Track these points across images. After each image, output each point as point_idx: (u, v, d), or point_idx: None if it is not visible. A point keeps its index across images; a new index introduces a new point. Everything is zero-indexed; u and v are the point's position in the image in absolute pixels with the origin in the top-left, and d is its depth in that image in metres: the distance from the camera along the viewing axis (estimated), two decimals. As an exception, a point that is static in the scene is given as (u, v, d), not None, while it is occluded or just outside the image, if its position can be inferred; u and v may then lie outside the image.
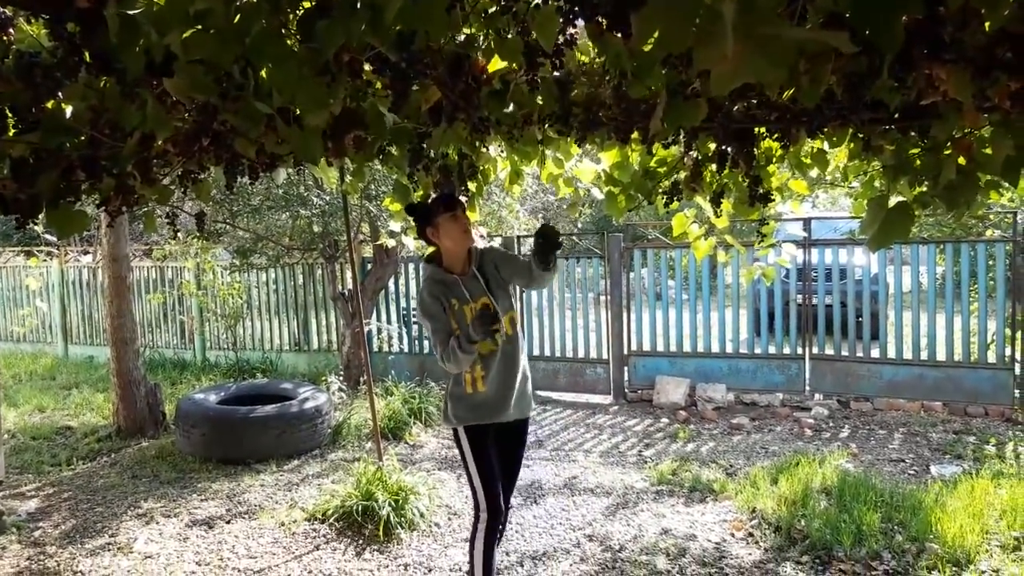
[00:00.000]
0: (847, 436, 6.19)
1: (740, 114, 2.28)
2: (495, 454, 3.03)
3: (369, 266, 8.34)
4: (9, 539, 4.38)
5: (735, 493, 4.76)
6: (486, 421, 2.98)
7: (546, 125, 2.53)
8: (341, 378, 7.44)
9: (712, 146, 2.66)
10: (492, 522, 2.97)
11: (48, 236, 9.71)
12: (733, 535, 4.23)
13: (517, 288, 3.11)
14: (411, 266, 8.63)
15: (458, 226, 2.93)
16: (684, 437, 6.23)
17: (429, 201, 3.05)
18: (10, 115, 1.83)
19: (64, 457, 6.01)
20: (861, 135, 2.39)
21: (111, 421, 6.74)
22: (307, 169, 3.72)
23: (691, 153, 2.81)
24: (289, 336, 9.59)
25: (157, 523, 4.62)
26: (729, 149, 2.57)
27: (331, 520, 4.45)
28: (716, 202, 3.03)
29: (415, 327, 8.68)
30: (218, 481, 5.35)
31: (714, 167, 2.76)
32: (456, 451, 3.15)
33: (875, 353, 7.06)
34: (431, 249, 3.07)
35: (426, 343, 8.35)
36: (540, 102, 2.22)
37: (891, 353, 6.97)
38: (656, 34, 0.95)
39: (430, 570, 3.90)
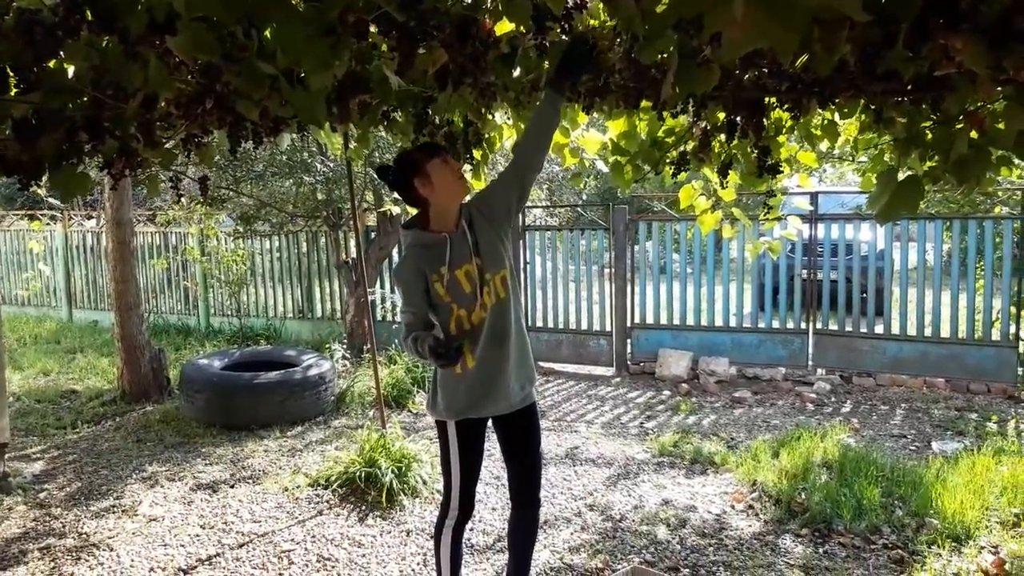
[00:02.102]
0: (849, 411, 6.20)
1: (750, 83, 2.25)
2: (505, 443, 2.81)
3: (373, 234, 8.32)
4: (15, 500, 4.43)
5: (736, 466, 4.78)
6: (483, 413, 2.67)
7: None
8: (344, 346, 7.46)
9: (721, 116, 2.63)
10: (461, 521, 2.77)
11: (52, 200, 9.71)
12: (733, 507, 4.26)
13: (510, 248, 2.74)
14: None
15: (451, 170, 2.57)
16: (686, 410, 6.25)
17: (407, 152, 2.68)
18: (11, 74, 1.80)
19: (69, 420, 6.05)
20: (873, 107, 2.36)
21: (115, 385, 6.78)
22: (311, 135, 3.69)
23: (700, 122, 2.77)
24: (293, 304, 9.61)
25: (162, 487, 4.66)
26: (738, 119, 2.54)
27: (334, 486, 4.49)
28: (724, 173, 3.00)
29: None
30: (222, 446, 5.39)
31: (723, 137, 2.72)
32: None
33: (879, 329, 7.05)
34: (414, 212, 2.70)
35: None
36: (546, 66, 2.19)
37: (895, 329, 6.96)
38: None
39: (431, 536, 3.93)
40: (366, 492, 4.37)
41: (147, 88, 1.85)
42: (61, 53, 1.81)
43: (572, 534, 3.95)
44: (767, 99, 2.44)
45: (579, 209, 10.67)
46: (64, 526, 4.12)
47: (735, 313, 7.62)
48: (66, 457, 5.24)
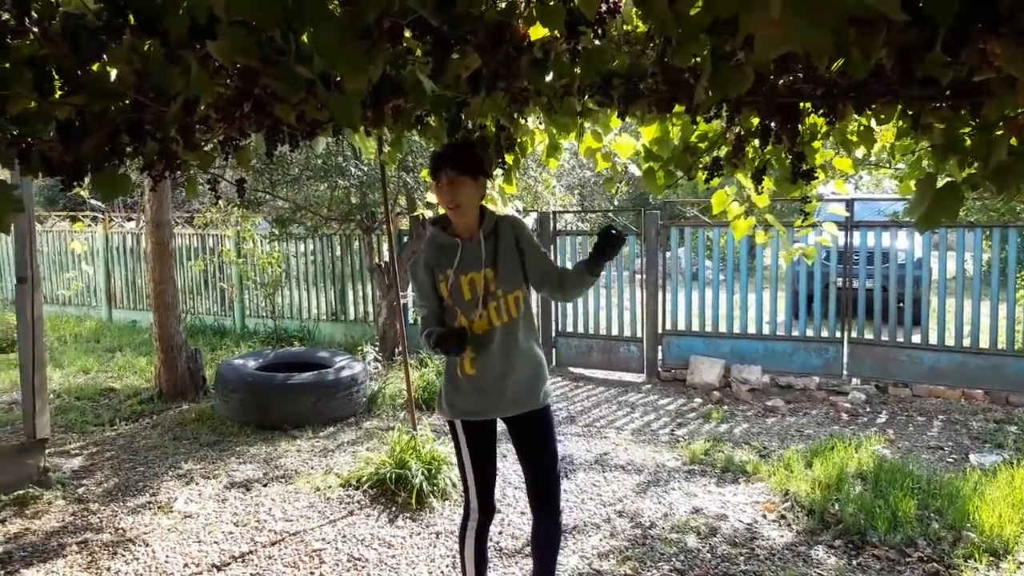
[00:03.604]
0: (884, 422, 6.10)
1: (785, 88, 2.23)
2: (517, 448, 2.82)
3: (405, 238, 8.38)
4: (54, 495, 4.53)
5: (768, 475, 4.73)
6: (482, 416, 2.71)
7: (586, 96, 2.51)
8: (376, 348, 7.52)
9: (755, 121, 2.61)
10: (483, 521, 2.79)
11: (94, 201, 9.93)
12: (765, 516, 4.21)
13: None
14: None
15: (441, 193, 2.63)
16: (717, 418, 6.19)
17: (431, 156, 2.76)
18: (56, 77, 1.85)
19: (107, 418, 6.18)
20: (910, 112, 2.32)
21: (153, 384, 6.91)
22: (345, 139, 3.74)
23: (733, 128, 2.76)
24: (326, 306, 9.70)
25: (196, 484, 4.73)
26: (773, 124, 2.52)
27: (365, 487, 4.53)
28: (758, 179, 2.98)
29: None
30: (255, 445, 5.47)
31: (757, 142, 2.71)
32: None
33: (916, 339, 6.92)
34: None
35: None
36: (578, 72, 2.20)
37: (932, 339, 6.82)
38: (703, -4, 0.93)
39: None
40: (396, 493, 4.40)
41: (188, 92, 1.88)
42: (104, 57, 1.86)
43: (601, 540, 3.93)
44: (802, 104, 2.42)
45: (610, 214, 10.64)
46: (101, 521, 4.20)
47: (768, 321, 7.53)
48: (104, 454, 5.35)
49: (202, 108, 2.20)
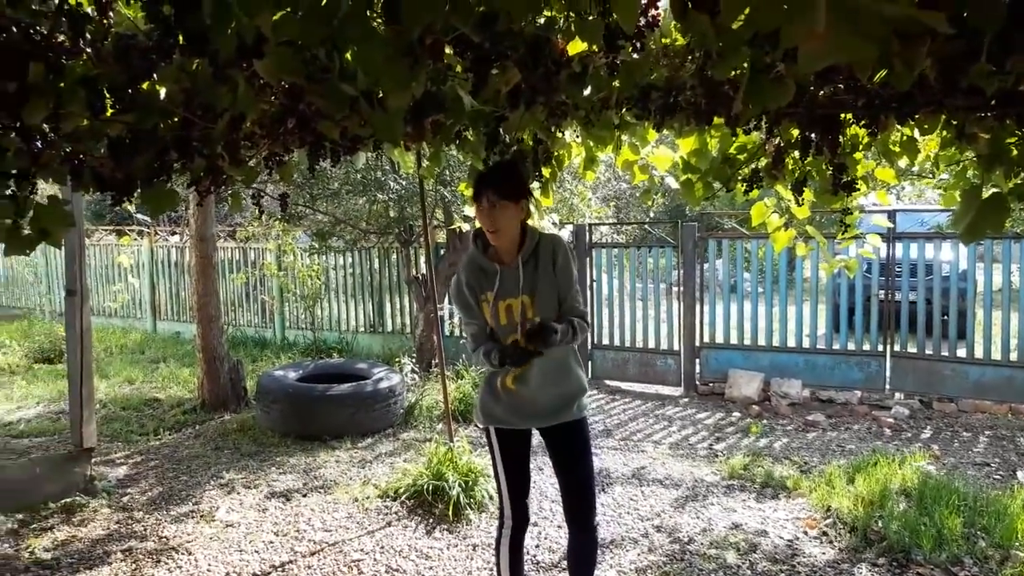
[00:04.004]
0: (929, 437, 5.97)
1: (825, 99, 2.22)
2: (552, 459, 2.82)
3: (442, 251, 8.44)
4: (100, 503, 4.63)
5: (809, 491, 4.65)
6: (518, 426, 2.75)
7: (623, 109, 2.51)
8: (414, 360, 7.57)
9: (795, 132, 2.59)
10: (517, 531, 2.80)
11: (140, 216, 10.17)
12: (806, 533, 4.14)
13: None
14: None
15: (482, 217, 2.60)
16: (756, 432, 6.11)
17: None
18: (108, 96, 1.91)
19: (152, 427, 6.30)
20: (954, 122, 2.29)
21: (196, 395, 7.03)
22: (384, 154, 3.79)
23: (773, 139, 2.74)
24: (364, 318, 9.80)
25: (238, 493, 4.80)
26: (813, 135, 2.50)
27: (402, 498, 4.56)
28: (798, 190, 2.95)
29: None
30: (295, 455, 5.53)
31: (797, 154, 2.69)
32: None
33: (961, 353, 6.77)
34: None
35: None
36: (616, 85, 2.21)
37: (978, 353, 6.66)
38: (746, 11, 0.94)
39: (497, 551, 3.94)
40: (433, 505, 4.42)
41: (234, 109, 1.93)
42: (154, 76, 1.91)
43: (639, 555, 3.90)
44: (843, 115, 2.40)
45: (646, 226, 10.60)
46: (145, 529, 4.29)
47: (808, 334, 7.42)
48: (148, 463, 5.46)
49: (247, 125, 2.26)
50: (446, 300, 8.44)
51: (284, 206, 3.04)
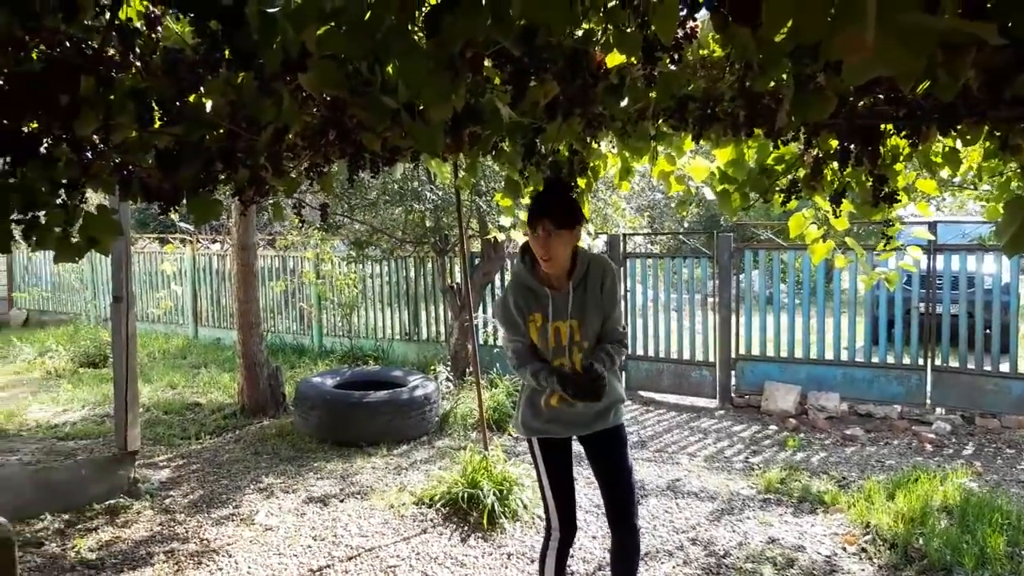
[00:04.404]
0: (971, 454, 5.84)
1: (865, 109, 2.20)
2: (592, 465, 2.87)
3: (477, 260, 8.48)
4: (143, 505, 4.73)
5: (847, 506, 4.58)
6: (560, 435, 2.80)
7: (660, 120, 2.52)
8: (449, 368, 7.61)
9: (834, 143, 2.57)
10: (564, 540, 2.82)
11: (183, 224, 10.39)
12: (845, 549, 4.08)
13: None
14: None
15: (539, 246, 2.60)
16: (793, 445, 6.04)
17: (534, 197, 2.76)
18: (156, 108, 1.97)
19: (193, 432, 6.42)
20: (998, 133, 2.26)
21: (236, 400, 7.15)
22: (422, 165, 3.84)
23: (811, 150, 2.72)
24: (400, 326, 9.88)
25: (277, 498, 4.87)
26: (852, 146, 2.48)
27: (437, 505, 4.58)
28: (836, 201, 2.92)
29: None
30: (332, 461, 5.60)
31: (835, 165, 2.66)
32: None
33: (1005, 367, 6.61)
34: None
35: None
36: (653, 96, 2.22)
37: (1022, 368, 6.50)
38: (789, 23, 0.94)
39: (532, 561, 3.95)
40: (468, 513, 4.44)
41: (278, 121, 1.98)
42: (201, 88, 1.97)
43: (674, 567, 3.88)
44: (883, 126, 2.38)
45: (681, 237, 10.53)
46: (187, 531, 4.37)
47: (847, 347, 7.31)
48: (190, 466, 5.56)
49: (290, 136, 2.31)
50: (480, 309, 8.48)
51: (324, 216, 3.09)
